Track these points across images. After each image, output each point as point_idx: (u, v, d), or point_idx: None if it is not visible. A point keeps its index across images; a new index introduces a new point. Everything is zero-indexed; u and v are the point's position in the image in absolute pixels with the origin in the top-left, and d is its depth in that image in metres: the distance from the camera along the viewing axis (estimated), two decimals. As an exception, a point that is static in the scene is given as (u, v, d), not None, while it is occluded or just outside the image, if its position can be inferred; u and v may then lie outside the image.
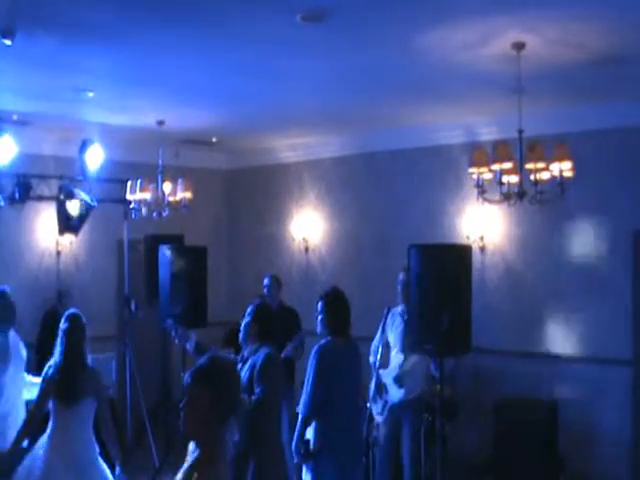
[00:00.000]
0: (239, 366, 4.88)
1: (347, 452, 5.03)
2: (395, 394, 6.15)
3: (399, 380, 6.09)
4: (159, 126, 7.82)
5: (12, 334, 6.02)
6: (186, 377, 2.74)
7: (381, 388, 6.20)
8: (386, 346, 6.29)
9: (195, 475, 2.62)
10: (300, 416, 5.07)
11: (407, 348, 5.91)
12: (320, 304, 5.18)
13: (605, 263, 7.20)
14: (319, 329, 5.20)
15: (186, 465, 2.67)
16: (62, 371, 4.84)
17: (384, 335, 6.30)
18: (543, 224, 7.49)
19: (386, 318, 6.29)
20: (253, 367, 4.80)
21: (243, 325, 5.03)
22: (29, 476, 4.70)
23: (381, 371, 6.22)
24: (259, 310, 5.08)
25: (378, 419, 6.25)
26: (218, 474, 2.64)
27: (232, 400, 2.72)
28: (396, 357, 6.19)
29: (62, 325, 4.95)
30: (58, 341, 4.92)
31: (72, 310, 5.14)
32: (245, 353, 4.93)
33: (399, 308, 6.28)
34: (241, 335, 5.05)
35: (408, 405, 6.10)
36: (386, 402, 6.20)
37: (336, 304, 5.17)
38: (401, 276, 6.22)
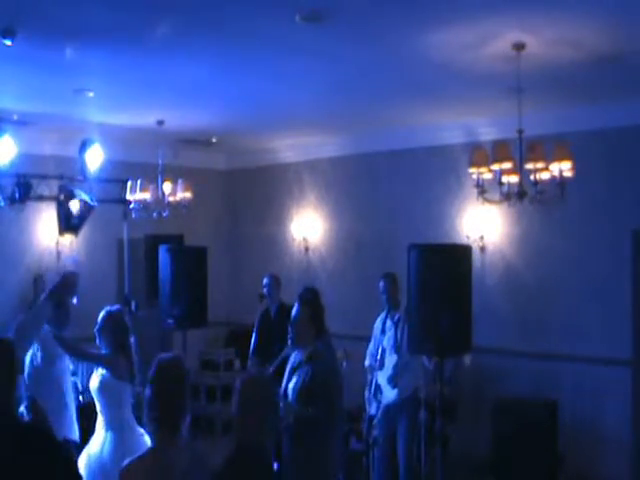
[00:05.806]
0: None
1: None
2: (389, 394, 6.18)
3: (393, 380, 6.11)
4: (159, 126, 7.82)
5: None
6: None
7: (376, 389, 6.23)
8: (379, 348, 6.34)
9: None
10: None
11: (398, 348, 6.03)
12: None
13: (605, 263, 7.19)
14: None
15: None
16: None
17: (377, 338, 6.40)
18: (543, 224, 7.49)
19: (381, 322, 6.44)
20: None
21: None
22: None
23: (377, 373, 6.28)
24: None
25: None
26: None
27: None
28: (390, 358, 6.21)
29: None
30: None
31: None
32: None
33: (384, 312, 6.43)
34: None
35: (402, 404, 6.15)
36: (379, 403, 6.22)
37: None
38: (382, 283, 6.40)
